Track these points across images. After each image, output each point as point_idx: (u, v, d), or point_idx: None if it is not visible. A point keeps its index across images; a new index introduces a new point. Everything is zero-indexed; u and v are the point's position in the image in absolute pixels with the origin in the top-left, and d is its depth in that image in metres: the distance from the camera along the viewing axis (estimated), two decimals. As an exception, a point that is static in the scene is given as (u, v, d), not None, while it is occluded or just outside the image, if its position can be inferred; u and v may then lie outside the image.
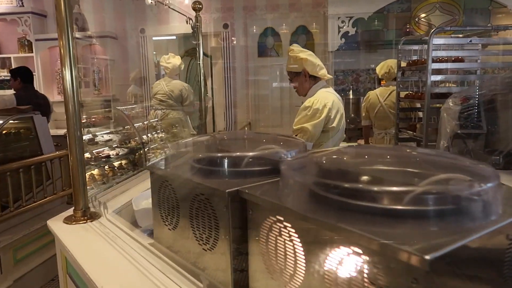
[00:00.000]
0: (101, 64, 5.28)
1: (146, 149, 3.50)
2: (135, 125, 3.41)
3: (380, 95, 3.61)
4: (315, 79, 2.48)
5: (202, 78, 3.12)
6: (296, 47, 2.52)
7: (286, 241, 0.71)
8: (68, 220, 1.43)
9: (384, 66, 3.72)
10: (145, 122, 4.49)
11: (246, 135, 1.11)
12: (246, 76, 5.07)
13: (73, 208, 1.57)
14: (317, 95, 2.40)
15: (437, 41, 2.76)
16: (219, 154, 0.94)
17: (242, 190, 0.81)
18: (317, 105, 2.32)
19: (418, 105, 3.27)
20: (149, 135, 4.46)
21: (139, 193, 1.78)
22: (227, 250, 0.84)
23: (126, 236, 1.26)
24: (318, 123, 2.30)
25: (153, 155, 4.64)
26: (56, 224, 1.40)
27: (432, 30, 2.72)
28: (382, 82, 4.23)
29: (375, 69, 4.24)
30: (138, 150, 3.18)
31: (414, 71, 3.26)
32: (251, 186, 0.83)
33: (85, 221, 1.41)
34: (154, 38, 5.27)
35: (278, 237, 0.73)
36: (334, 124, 2.35)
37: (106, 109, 5.32)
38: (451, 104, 2.40)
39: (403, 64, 3.26)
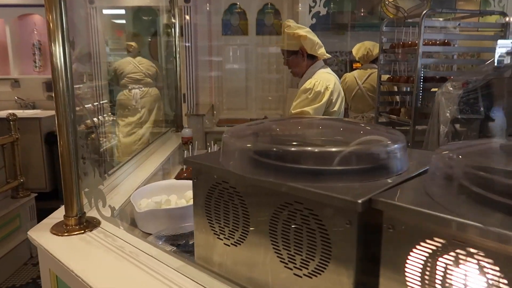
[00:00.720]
0: (43, 37, 4.63)
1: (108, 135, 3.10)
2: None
3: (358, 78, 3.51)
4: (313, 58, 2.28)
5: (177, 56, 2.78)
6: (292, 22, 2.29)
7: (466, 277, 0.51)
8: (59, 230, 1.10)
9: (362, 48, 3.61)
10: (95, 104, 4.02)
11: (313, 122, 0.88)
12: (209, 56, 4.73)
13: (57, 211, 1.25)
14: (317, 76, 2.21)
15: (429, 23, 2.69)
16: (315, 149, 0.70)
17: (378, 199, 0.59)
18: (319, 87, 2.13)
19: (403, 89, 3.21)
20: (100, 117, 4.01)
21: (131, 188, 1.48)
22: (345, 278, 0.62)
23: (147, 249, 0.98)
24: (319, 107, 2.12)
25: (105, 139, 4.20)
26: (42, 237, 1.08)
27: (424, 12, 2.63)
28: (355, 65, 4.15)
29: (347, 52, 4.14)
30: (89, 135, 2.78)
31: (396, 54, 3.19)
32: (385, 192, 0.61)
33: (82, 231, 1.10)
34: (104, 11, 4.72)
35: (449, 269, 0.52)
36: (336, 108, 2.18)
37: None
38: (450, 88, 2.33)
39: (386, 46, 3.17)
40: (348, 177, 0.67)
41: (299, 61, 2.29)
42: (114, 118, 4.32)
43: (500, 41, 2.54)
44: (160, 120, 3.05)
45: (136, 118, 3.31)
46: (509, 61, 2.33)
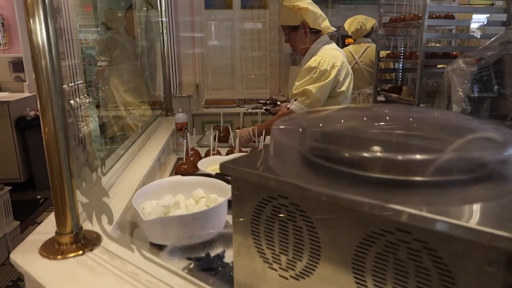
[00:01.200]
0: (6, 11, 4.19)
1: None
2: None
3: (354, 52, 3.34)
4: (316, 33, 2.08)
5: (164, 32, 2.50)
6: (289, -6, 2.07)
7: None
8: (50, 252, 0.89)
9: (354, 22, 3.42)
10: (71, 85, 3.70)
11: (380, 113, 0.69)
12: (192, 31, 4.43)
13: (46, 222, 1.03)
14: (322, 53, 2.01)
15: (436, -6, 2.51)
16: (431, 154, 0.51)
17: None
18: (325, 65, 1.94)
19: (404, 66, 3.06)
20: (77, 99, 3.70)
21: (129, 188, 1.26)
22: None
23: (168, 278, 0.79)
24: (323, 86, 1.94)
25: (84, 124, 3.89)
26: (30, 261, 0.86)
27: (431, -18, 2.46)
28: (348, 40, 3.96)
29: (338, 27, 3.92)
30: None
31: (396, 28, 3.02)
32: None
33: (80, 251, 0.89)
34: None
35: None
36: (343, 88, 2.00)
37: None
38: (463, 65, 2.19)
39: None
40: (470, 192, 0.49)
41: (301, 37, 2.08)
42: (90, 100, 4.00)
43: None
44: (147, 104, 2.78)
45: (125, 100, 3.03)
46: (524, 35, 2.20)
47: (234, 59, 4.51)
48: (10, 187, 2.93)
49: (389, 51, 3.01)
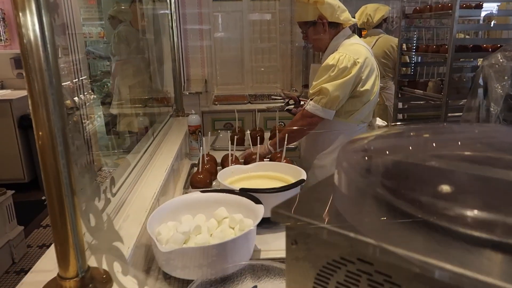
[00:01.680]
0: (6, 5, 4.02)
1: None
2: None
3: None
4: (336, 27, 1.88)
5: (173, 25, 2.33)
6: (304, -13, 1.87)
7: None
8: (52, 300, 0.73)
9: (363, 14, 3.22)
10: (75, 81, 3.54)
11: (471, 134, 0.53)
12: (200, 24, 4.24)
13: (45, 256, 0.88)
14: (342, 49, 1.81)
15: (469, -19, 2.32)
16: None
17: None
18: (344, 62, 1.73)
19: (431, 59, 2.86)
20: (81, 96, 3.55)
21: (141, 207, 1.10)
22: None
23: None
24: (342, 84, 1.73)
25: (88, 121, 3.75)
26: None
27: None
28: (364, 32, 3.76)
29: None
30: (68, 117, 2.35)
31: (422, 19, 2.81)
32: None
33: (88, 300, 0.73)
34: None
35: None
36: (367, 87, 1.80)
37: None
38: (502, 60, 1.99)
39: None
40: None
41: (320, 32, 1.88)
42: (95, 97, 3.85)
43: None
44: (158, 101, 2.61)
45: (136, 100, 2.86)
46: None
47: (243, 52, 4.32)
48: (13, 191, 2.79)
49: (413, 44, 2.81)
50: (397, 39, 3.04)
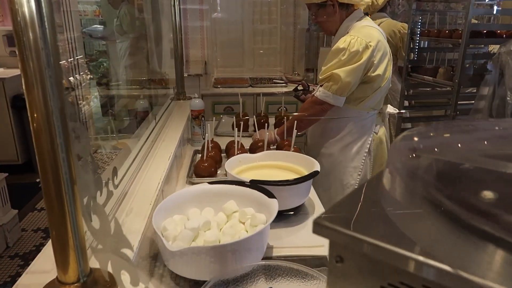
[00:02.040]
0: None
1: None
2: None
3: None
4: (347, 8, 1.77)
5: (175, 3, 2.20)
6: (312, -35, 1.75)
7: None
8: (49, 308, 0.65)
9: (366, -3, 3.09)
10: (70, 60, 3.40)
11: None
12: (200, 4, 4.08)
13: (42, 253, 0.80)
14: (354, 31, 1.71)
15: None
16: None
17: None
18: (356, 46, 1.63)
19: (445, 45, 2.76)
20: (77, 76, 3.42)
21: (145, 199, 1.02)
22: None
23: None
24: (354, 70, 1.64)
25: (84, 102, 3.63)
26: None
27: None
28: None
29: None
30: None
31: (433, 3, 2.70)
32: None
33: (90, 308, 0.65)
34: None
35: None
36: (379, 71, 1.70)
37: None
38: (521, 46, 1.90)
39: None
40: None
41: (330, 14, 1.77)
42: (91, 77, 3.73)
43: None
44: (158, 83, 2.50)
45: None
46: None
47: (244, 33, 4.18)
48: (7, 174, 2.69)
49: (423, 29, 2.70)
50: (401, 23, 2.93)
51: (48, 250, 0.81)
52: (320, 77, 1.75)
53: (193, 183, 1.44)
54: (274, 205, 0.98)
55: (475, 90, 2.90)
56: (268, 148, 1.53)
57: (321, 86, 1.72)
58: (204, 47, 4.18)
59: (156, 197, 1.06)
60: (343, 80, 1.64)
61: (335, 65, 1.67)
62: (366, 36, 1.66)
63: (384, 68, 1.74)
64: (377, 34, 1.73)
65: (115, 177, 0.93)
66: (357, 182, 1.83)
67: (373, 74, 1.70)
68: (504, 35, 2.44)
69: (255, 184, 1.09)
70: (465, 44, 2.26)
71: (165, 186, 1.20)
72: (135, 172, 1.16)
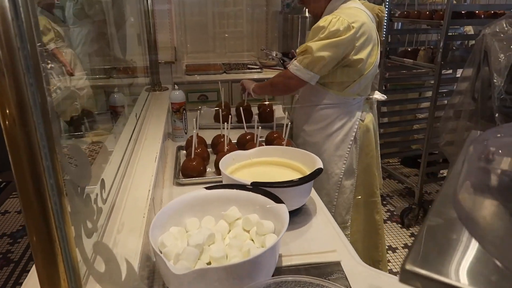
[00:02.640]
0: None
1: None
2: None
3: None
4: None
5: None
6: None
7: None
8: None
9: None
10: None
11: None
12: (166, -16, 3.85)
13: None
14: (338, 12, 1.61)
15: None
16: None
17: None
18: (337, 25, 1.53)
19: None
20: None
21: (137, 211, 0.91)
22: None
23: None
24: (329, 45, 1.54)
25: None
26: None
27: None
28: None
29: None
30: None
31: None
32: None
33: None
34: None
35: None
36: (362, 56, 1.62)
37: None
38: (507, 28, 1.88)
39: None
40: None
41: None
42: (53, 65, 3.45)
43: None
44: (128, 75, 2.31)
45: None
46: None
47: (208, 16, 4.00)
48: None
49: (402, 11, 2.65)
50: (378, 6, 2.87)
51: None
52: (297, 51, 1.66)
53: (181, 184, 1.33)
54: (283, 212, 0.89)
55: (450, 72, 2.91)
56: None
57: (295, 59, 1.63)
58: (173, 31, 3.97)
59: (149, 207, 0.94)
60: (315, 53, 1.54)
61: (312, 42, 1.58)
62: (349, 17, 1.57)
63: (367, 53, 1.65)
64: (363, 17, 1.64)
65: (104, 191, 0.80)
66: (342, 171, 1.77)
67: (354, 57, 1.61)
68: (483, 16, 2.43)
69: (258, 188, 0.99)
70: (447, 25, 2.23)
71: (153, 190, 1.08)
72: (120, 179, 1.04)
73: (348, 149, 1.77)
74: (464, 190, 0.40)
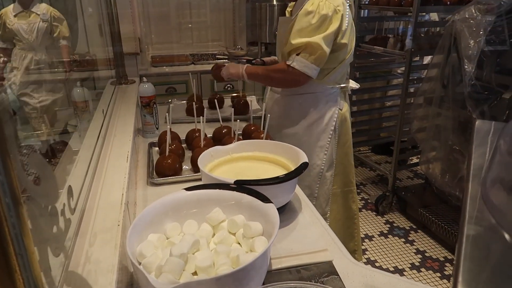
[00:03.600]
0: None
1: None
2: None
3: None
4: None
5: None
6: None
7: None
8: None
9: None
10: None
11: None
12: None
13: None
14: None
15: None
16: None
17: None
18: (325, 9, 1.51)
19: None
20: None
21: (110, 219, 0.82)
22: None
23: None
24: (329, 37, 1.53)
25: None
26: None
27: None
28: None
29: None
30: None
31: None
32: None
33: None
34: None
35: None
36: (346, 40, 1.60)
37: None
38: (475, 14, 1.89)
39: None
40: None
41: None
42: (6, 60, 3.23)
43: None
44: (90, 67, 2.16)
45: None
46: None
47: (170, 6, 3.84)
48: None
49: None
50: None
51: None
52: (292, 42, 1.56)
53: (156, 184, 1.24)
54: (272, 213, 0.82)
55: (417, 59, 2.94)
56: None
57: (297, 55, 1.55)
58: (135, 22, 3.78)
59: (123, 214, 0.85)
60: (324, 48, 1.51)
61: (307, 29, 1.52)
62: (332, 0, 1.53)
63: (349, 37, 1.63)
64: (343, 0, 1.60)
65: (71, 199, 0.71)
66: (324, 162, 1.74)
67: (342, 41, 1.58)
68: (449, 2, 2.46)
69: (243, 186, 0.92)
70: (417, 12, 2.23)
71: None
72: (90, 184, 0.94)
73: (329, 139, 1.73)
74: (496, 188, 0.35)
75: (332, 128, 1.73)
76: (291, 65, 1.54)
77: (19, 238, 0.41)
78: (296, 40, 1.54)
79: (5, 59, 2.81)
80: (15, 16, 2.36)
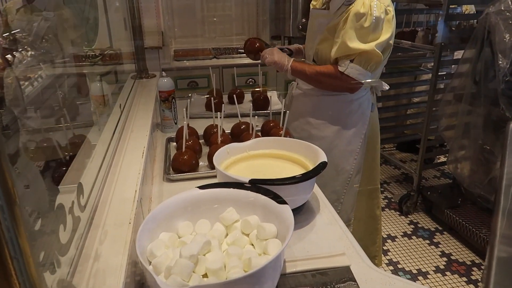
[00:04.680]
0: None
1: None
2: None
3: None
4: None
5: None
6: None
7: None
8: None
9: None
10: (5, 35, 2.96)
11: None
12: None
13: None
14: None
15: None
16: None
17: None
18: (377, 11, 1.38)
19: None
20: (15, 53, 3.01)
21: (121, 218, 0.81)
22: None
23: None
24: (383, 43, 1.43)
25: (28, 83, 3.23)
26: None
27: None
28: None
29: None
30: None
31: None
32: None
33: None
34: None
35: None
36: (392, 41, 1.51)
37: None
38: (512, 5, 1.78)
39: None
40: None
41: None
42: (33, 53, 3.30)
43: None
44: (112, 61, 2.17)
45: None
46: None
47: (206, 3, 3.84)
48: None
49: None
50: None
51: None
52: (350, 45, 1.44)
53: (172, 180, 1.22)
54: (287, 214, 0.79)
55: (447, 53, 2.82)
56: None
57: (351, 61, 1.46)
58: (159, 16, 3.80)
59: (136, 211, 0.84)
60: (379, 55, 1.42)
61: (360, 32, 1.41)
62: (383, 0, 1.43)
63: (394, 37, 1.54)
64: None
65: (81, 196, 0.70)
66: (353, 167, 1.66)
67: (391, 42, 1.49)
68: (483, -6, 2.33)
69: (258, 186, 0.89)
70: (448, 4, 2.12)
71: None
72: (103, 179, 0.93)
73: (360, 143, 1.64)
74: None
75: (364, 131, 1.64)
76: (345, 73, 1.47)
77: (14, 242, 0.39)
78: (353, 44, 1.41)
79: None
80: None
